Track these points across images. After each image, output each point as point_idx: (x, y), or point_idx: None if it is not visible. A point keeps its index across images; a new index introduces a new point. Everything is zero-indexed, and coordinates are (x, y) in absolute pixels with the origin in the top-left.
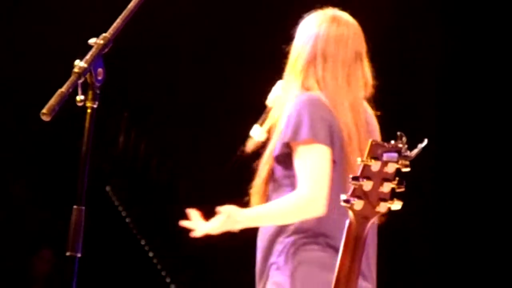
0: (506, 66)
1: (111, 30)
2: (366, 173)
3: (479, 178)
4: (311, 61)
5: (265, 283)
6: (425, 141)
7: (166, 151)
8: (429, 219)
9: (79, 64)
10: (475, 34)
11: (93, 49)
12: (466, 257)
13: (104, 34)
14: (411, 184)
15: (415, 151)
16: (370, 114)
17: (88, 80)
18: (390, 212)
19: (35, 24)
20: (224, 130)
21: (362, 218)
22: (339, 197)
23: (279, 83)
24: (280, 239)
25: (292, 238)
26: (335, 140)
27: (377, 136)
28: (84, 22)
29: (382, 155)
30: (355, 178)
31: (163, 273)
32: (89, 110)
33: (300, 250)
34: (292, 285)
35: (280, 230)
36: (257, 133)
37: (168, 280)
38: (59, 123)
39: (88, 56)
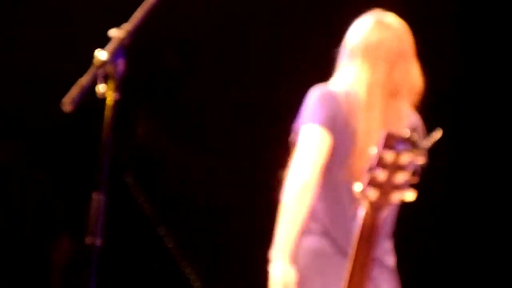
0: None
1: (132, 20)
2: (380, 163)
3: (495, 175)
4: (349, 59)
5: None
6: (439, 131)
7: (184, 141)
8: (441, 213)
9: (100, 54)
10: (493, 29)
11: (114, 40)
12: (477, 254)
13: (125, 25)
14: (425, 177)
15: (429, 140)
16: (406, 121)
17: (109, 71)
18: (403, 203)
19: (56, 13)
20: (242, 122)
21: (376, 208)
22: (330, 179)
23: None
24: None
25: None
26: (336, 128)
27: None
28: (107, 12)
29: (396, 145)
30: (369, 168)
31: (183, 262)
32: (109, 101)
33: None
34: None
35: None
36: None
37: (188, 270)
38: (80, 113)
39: (109, 47)
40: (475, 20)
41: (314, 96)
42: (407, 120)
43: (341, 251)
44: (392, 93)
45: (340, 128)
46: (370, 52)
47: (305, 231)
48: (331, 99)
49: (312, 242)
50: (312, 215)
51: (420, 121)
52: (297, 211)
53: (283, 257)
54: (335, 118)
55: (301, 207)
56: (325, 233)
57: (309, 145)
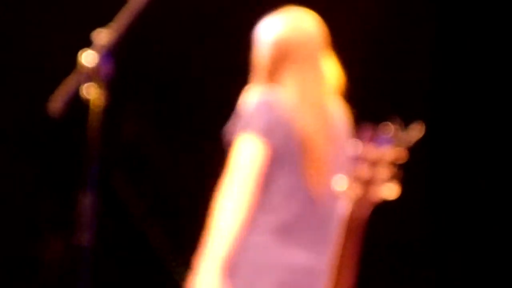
0: (501, 54)
1: (119, 20)
2: (364, 159)
3: (475, 167)
4: (273, 63)
5: None
6: (421, 126)
7: (171, 139)
8: (423, 206)
9: (86, 55)
10: (469, 24)
11: (100, 41)
12: (457, 248)
13: (112, 25)
14: (405, 171)
15: (410, 134)
16: (339, 115)
17: (95, 71)
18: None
19: (41, 16)
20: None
21: (360, 204)
22: (278, 189)
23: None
24: None
25: None
26: (279, 136)
27: (342, 140)
28: (92, 13)
29: (377, 140)
30: (354, 164)
31: (171, 259)
32: (96, 101)
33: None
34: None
35: None
36: None
37: (176, 266)
38: (68, 112)
39: (95, 47)
40: (451, 16)
41: (250, 104)
42: (343, 117)
43: (290, 255)
44: (323, 92)
45: (283, 137)
46: (293, 54)
47: (249, 243)
48: (269, 108)
49: (257, 255)
50: (255, 228)
51: (347, 113)
52: (232, 230)
53: (215, 271)
54: (274, 128)
55: (236, 225)
56: (270, 246)
57: (245, 157)
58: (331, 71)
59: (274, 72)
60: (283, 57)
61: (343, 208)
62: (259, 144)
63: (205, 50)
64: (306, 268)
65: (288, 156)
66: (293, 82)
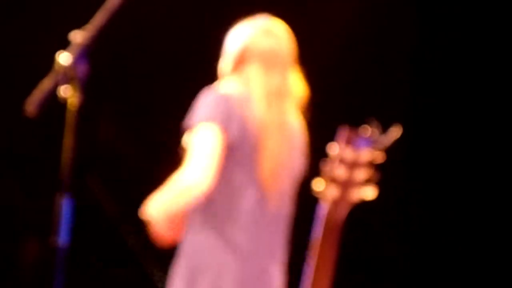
0: (483, 53)
1: (95, 22)
2: (341, 161)
3: (452, 169)
4: (238, 63)
5: None
6: (398, 128)
7: (147, 141)
8: (400, 208)
9: (62, 56)
10: (450, 22)
11: (76, 42)
12: (438, 249)
13: (87, 27)
14: (383, 173)
15: (388, 136)
16: (296, 124)
17: (71, 73)
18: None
19: (17, 15)
20: None
21: (335, 206)
22: (229, 182)
23: None
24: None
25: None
26: (232, 125)
27: (297, 147)
28: (68, 14)
29: (355, 142)
30: (327, 165)
31: (147, 261)
32: (72, 103)
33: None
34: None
35: None
36: None
37: (152, 268)
38: (44, 115)
39: (71, 49)
40: (431, 19)
41: (207, 97)
42: (300, 129)
43: (234, 252)
44: (283, 99)
45: (238, 130)
46: (264, 58)
47: (197, 229)
48: (225, 100)
49: (206, 240)
50: (205, 214)
51: (304, 127)
52: (181, 203)
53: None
54: (230, 119)
55: (186, 201)
56: (219, 234)
57: (205, 143)
58: (297, 84)
59: (239, 70)
60: (252, 58)
61: (321, 209)
62: (218, 131)
63: (182, 49)
64: (254, 268)
65: (242, 150)
66: (257, 80)
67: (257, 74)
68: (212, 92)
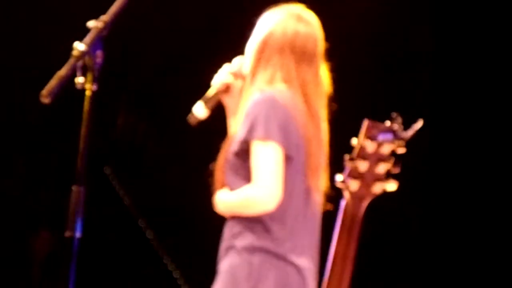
0: (499, 55)
1: (109, 12)
2: (362, 154)
3: (473, 163)
4: (281, 54)
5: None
6: (420, 122)
7: (165, 133)
8: (421, 202)
9: (78, 46)
10: (470, 20)
11: (92, 32)
12: (458, 243)
13: (103, 17)
14: (405, 166)
15: (410, 131)
16: (323, 121)
17: (87, 63)
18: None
19: (34, 6)
20: (220, 113)
21: (357, 199)
22: (291, 192)
23: (226, 66)
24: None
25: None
26: (291, 137)
27: (324, 145)
28: (84, 4)
29: (377, 136)
30: (351, 159)
31: (163, 254)
32: (88, 92)
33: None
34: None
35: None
36: (199, 111)
37: (167, 261)
38: (59, 105)
39: (87, 39)
40: (450, 17)
41: (261, 105)
42: (325, 124)
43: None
44: (317, 96)
45: (295, 144)
46: (295, 46)
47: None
48: (278, 108)
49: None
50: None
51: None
52: (234, 211)
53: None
54: (289, 133)
55: (239, 213)
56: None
57: (273, 166)
58: (325, 76)
59: (281, 63)
60: (282, 44)
61: (341, 204)
62: (279, 150)
63: (202, 36)
64: (305, 270)
65: (297, 159)
66: (294, 82)
67: (291, 69)
68: (271, 103)
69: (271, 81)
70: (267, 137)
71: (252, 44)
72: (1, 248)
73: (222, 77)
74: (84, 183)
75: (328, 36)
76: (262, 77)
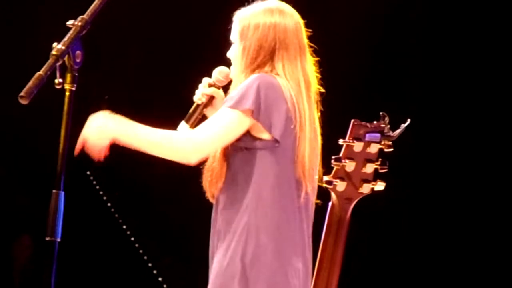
0: (493, 50)
1: (89, 12)
2: (349, 154)
3: (459, 163)
4: (273, 51)
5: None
6: (408, 121)
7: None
8: (409, 201)
9: (57, 46)
10: (461, 23)
11: (71, 31)
12: (446, 240)
13: (82, 16)
14: (392, 167)
15: (398, 131)
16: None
17: (66, 63)
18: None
19: (13, 6)
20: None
21: (345, 199)
22: (277, 177)
23: (205, 79)
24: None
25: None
26: (278, 119)
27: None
28: (62, 4)
29: (364, 136)
30: (338, 159)
31: (145, 258)
32: (67, 93)
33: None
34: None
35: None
36: (183, 130)
37: (149, 264)
38: (37, 106)
39: (66, 39)
40: (442, 19)
41: (256, 80)
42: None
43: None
44: (310, 92)
45: (281, 120)
46: (286, 43)
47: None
48: (274, 89)
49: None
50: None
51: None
52: (154, 150)
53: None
54: (278, 109)
55: (159, 153)
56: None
57: (222, 128)
58: (312, 68)
59: (272, 60)
60: (286, 45)
61: (330, 203)
62: (243, 122)
63: (187, 36)
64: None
65: (281, 143)
66: (288, 73)
67: (287, 65)
68: (266, 81)
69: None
70: (236, 106)
71: (243, 53)
72: None
73: (202, 91)
74: (64, 187)
75: (316, 36)
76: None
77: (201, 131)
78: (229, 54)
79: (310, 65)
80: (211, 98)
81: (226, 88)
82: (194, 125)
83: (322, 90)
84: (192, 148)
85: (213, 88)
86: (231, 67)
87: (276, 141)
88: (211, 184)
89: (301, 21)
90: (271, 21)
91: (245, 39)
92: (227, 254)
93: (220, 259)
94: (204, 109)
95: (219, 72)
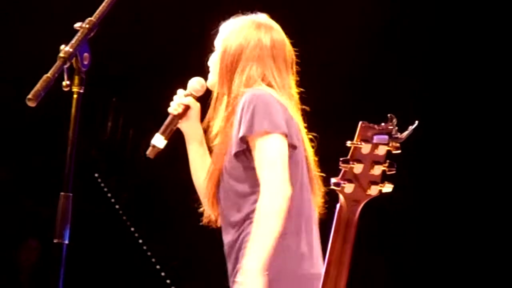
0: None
1: (96, 14)
2: (357, 156)
3: (466, 165)
4: (261, 62)
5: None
6: (416, 123)
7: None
8: (414, 203)
9: (65, 48)
10: (465, 21)
11: (79, 34)
12: (454, 240)
13: (89, 18)
14: (399, 169)
15: (406, 133)
16: None
17: (74, 65)
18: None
19: (21, 8)
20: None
21: (352, 201)
22: (298, 182)
23: (180, 91)
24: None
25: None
26: (293, 127)
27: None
28: (70, 6)
29: (372, 138)
30: (345, 161)
31: (152, 260)
32: (75, 95)
33: None
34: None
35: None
36: (158, 142)
37: (157, 266)
38: (45, 109)
39: (73, 41)
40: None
41: (257, 99)
42: None
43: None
44: (297, 104)
45: (295, 128)
46: (280, 58)
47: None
48: (276, 102)
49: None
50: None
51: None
52: (277, 227)
53: (261, 272)
54: (287, 120)
55: (280, 224)
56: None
57: (282, 156)
58: (294, 84)
59: (260, 70)
60: (267, 57)
61: (338, 205)
62: (284, 141)
63: (191, 40)
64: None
65: (295, 140)
66: (279, 86)
67: (274, 76)
68: (266, 96)
69: (252, 85)
70: (270, 130)
71: (222, 58)
72: None
73: (179, 101)
74: (72, 189)
75: (324, 37)
76: (240, 83)
77: (268, 179)
78: (209, 62)
79: (292, 81)
80: (187, 109)
81: (200, 98)
82: (169, 136)
83: (328, 95)
84: (284, 199)
85: (190, 98)
86: (209, 75)
87: (294, 147)
88: (213, 200)
89: (286, 40)
90: (257, 33)
91: (226, 44)
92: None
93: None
94: (180, 120)
95: (196, 82)
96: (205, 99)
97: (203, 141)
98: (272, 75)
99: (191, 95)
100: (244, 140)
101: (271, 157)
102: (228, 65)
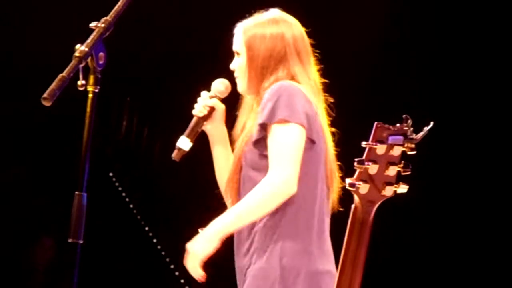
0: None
1: (112, 13)
2: (372, 157)
3: (479, 165)
4: (284, 59)
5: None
6: (431, 124)
7: (170, 135)
8: (428, 203)
9: (80, 48)
10: (473, 23)
11: (94, 33)
12: (465, 244)
13: (105, 18)
14: (414, 169)
15: (421, 134)
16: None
17: (89, 64)
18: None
19: (38, 7)
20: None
21: (367, 202)
22: (313, 177)
23: (204, 93)
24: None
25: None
26: (314, 123)
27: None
28: (86, 5)
29: (387, 138)
30: (360, 162)
31: (167, 259)
32: (90, 95)
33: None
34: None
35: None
36: (183, 145)
37: (171, 266)
38: (60, 108)
39: (89, 40)
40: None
41: (282, 90)
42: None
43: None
44: (321, 96)
45: (316, 124)
46: (302, 52)
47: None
48: (300, 93)
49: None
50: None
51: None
52: (264, 209)
53: (218, 237)
54: (309, 114)
55: (269, 208)
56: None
57: (292, 148)
58: (318, 75)
59: (285, 66)
60: (297, 52)
61: (353, 206)
62: (301, 132)
63: (206, 40)
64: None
65: (315, 135)
66: (303, 78)
67: (303, 73)
68: (292, 87)
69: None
70: (289, 118)
71: (250, 64)
72: (4, 255)
73: (204, 103)
74: (86, 188)
75: (339, 39)
76: (270, 84)
77: (276, 163)
78: (232, 66)
79: (316, 71)
80: (212, 111)
81: (224, 100)
82: (195, 138)
83: (343, 96)
84: (284, 184)
85: (215, 99)
86: (237, 79)
87: (313, 141)
88: (232, 190)
89: (303, 30)
90: (278, 31)
91: (253, 49)
92: (263, 258)
93: (258, 263)
94: (205, 122)
95: (220, 83)
96: (229, 101)
97: (227, 142)
98: (299, 71)
99: (215, 96)
100: (264, 127)
101: (284, 143)
102: (258, 70)
